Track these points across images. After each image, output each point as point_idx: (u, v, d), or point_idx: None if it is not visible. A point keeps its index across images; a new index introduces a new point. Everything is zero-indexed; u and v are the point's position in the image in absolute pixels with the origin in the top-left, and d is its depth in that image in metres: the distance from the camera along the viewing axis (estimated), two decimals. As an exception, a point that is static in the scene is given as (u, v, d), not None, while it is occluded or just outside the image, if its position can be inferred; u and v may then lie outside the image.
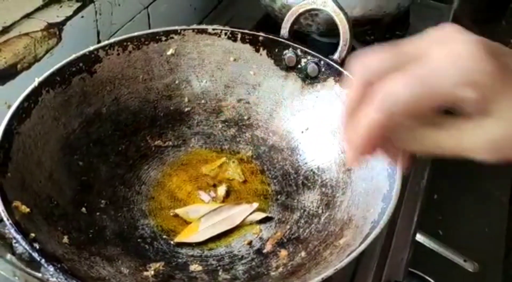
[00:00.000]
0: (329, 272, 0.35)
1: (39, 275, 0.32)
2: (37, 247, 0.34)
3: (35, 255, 0.32)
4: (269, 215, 0.48)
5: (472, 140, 0.27)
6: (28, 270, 0.31)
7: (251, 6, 0.81)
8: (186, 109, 0.56)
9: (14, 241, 0.33)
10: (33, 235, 0.36)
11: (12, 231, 0.34)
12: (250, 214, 0.48)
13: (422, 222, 0.72)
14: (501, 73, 0.25)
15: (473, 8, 1.15)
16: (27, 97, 0.44)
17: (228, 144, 0.55)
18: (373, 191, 0.43)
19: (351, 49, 0.53)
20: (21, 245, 0.33)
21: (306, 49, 0.53)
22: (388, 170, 0.43)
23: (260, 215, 0.48)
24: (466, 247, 0.71)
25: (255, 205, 0.49)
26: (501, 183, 0.80)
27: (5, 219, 0.34)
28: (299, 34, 0.72)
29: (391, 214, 0.38)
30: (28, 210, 0.38)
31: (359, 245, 0.37)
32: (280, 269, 0.42)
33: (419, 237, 0.72)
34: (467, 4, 1.16)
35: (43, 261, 0.32)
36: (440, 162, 0.78)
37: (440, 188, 0.78)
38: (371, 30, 0.75)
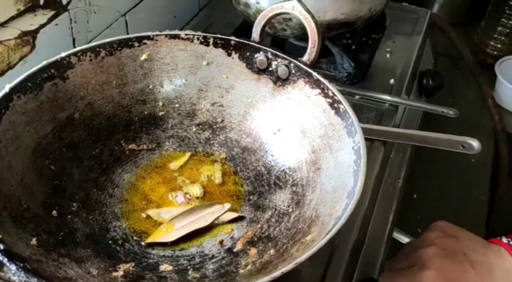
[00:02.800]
0: (289, 266, 0.35)
1: (2, 274, 0.32)
2: (1, 248, 0.34)
3: (-3, 254, 0.33)
4: (241, 215, 0.49)
5: None
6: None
7: (230, 13, 0.83)
8: (161, 113, 0.56)
9: (-23, 241, 0.33)
10: (-1, 236, 0.36)
11: (-23, 232, 0.34)
12: (222, 214, 0.48)
13: (402, 221, 0.73)
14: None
15: (453, 11, 1.17)
16: (-2, 103, 0.44)
17: (202, 146, 0.56)
18: (340, 188, 0.44)
19: (322, 51, 0.55)
20: (-16, 246, 0.33)
21: (276, 52, 0.54)
22: (354, 167, 0.44)
23: (232, 215, 0.48)
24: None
25: (227, 205, 0.49)
26: (480, 182, 0.81)
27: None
28: (276, 39, 0.73)
29: (353, 209, 0.39)
30: (-5, 212, 0.38)
31: (321, 240, 0.37)
32: (249, 267, 0.43)
33: (398, 236, 0.72)
34: (448, 7, 1.18)
35: (5, 260, 0.33)
36: (418, 162, 0.78)
37: (419, 188, 0.79)
38: (348, 33, 0.76)
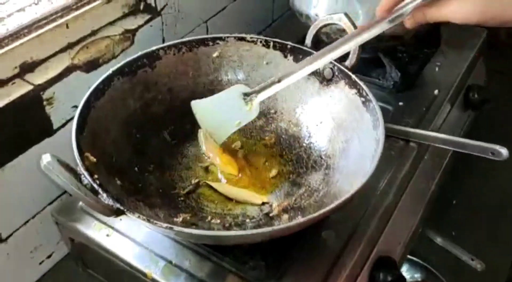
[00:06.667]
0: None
1: (95, 199, 0.45)
2: (98, 182, 0.47)
3: (95, 185, 0.46)
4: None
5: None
6: (90, 194, 0.45)
7: (298, 25, 0.93)
8: (225, 102, 0.68)
9: (82, 175, 0.47)
10: (96, 176, 0.49)
11: (82, 170, 0.47)
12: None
13: (437, 223, 0.79)
14: None
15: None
16: (103, 81, 0.58)
17: (256, 132, 0.67)
18: (360, 170, 0.52)
19: (376, 63, 0.64)
20: (87, 179, 0.46)
21: (324, 57, 0.63)
22: (373, 153, 0.52)
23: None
24: (476, 248, 0.77)
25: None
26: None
27: (78, 162, 0.48)
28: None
29: (364, 183, 0.48)
30: (94, 160, 0.52)
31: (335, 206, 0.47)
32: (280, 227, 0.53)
33: (431, 234, 0.79)
34: None
35: (100, 190, 0.46)
36: (458, 173, 0.84)
37: (457, 194, 0.85)
38: (401, 47, 0.84)
